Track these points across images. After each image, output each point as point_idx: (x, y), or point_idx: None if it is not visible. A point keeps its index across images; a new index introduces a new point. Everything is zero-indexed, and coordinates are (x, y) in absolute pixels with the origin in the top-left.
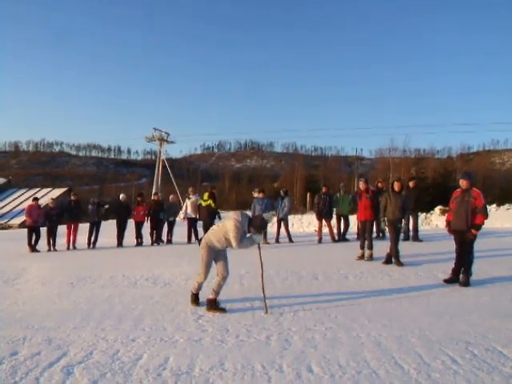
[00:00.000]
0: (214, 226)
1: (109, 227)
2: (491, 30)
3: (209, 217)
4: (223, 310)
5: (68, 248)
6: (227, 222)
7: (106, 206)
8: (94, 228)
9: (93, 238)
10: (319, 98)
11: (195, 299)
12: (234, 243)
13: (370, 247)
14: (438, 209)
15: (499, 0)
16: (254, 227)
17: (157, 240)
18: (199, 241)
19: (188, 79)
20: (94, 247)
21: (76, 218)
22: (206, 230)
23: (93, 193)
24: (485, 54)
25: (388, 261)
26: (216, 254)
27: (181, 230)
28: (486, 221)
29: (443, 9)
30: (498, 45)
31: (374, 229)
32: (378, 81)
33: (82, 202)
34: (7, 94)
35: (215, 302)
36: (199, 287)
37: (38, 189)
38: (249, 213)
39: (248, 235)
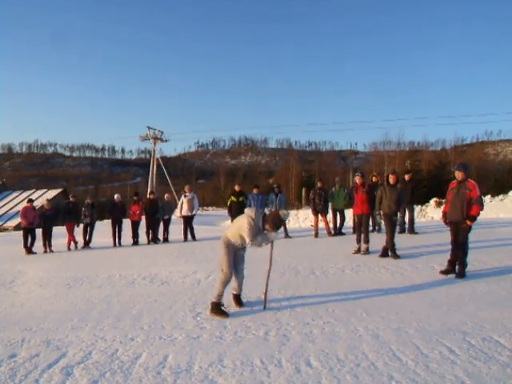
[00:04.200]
0: (231, 224)
1: (104, 227)
2: (484, 20)
3: (240, 212)
4: (226, 315)
5: (69, 248)
6: (241, 219)
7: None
8: (88, 228)
9: (87, 238)
10: (312, 93)
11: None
12: (247, 239)
13: (367, 241)
14: (433, 201)
15: None
16: (269, 224)
17: (153, 239)
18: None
19: (180, 77)
20: (88, 247)
21: (75, 219)
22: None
23: (88, 193)
24: (477, 44)
25: (384, 254)
26: (234, 253)
27: (177, 228)
28: (481, 212)
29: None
30: (490, 36)
31: (370, 222)
32: (370, 74)
33: (80, 203)
34: None
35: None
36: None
37: (32, 190)
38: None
39: (264, 232)
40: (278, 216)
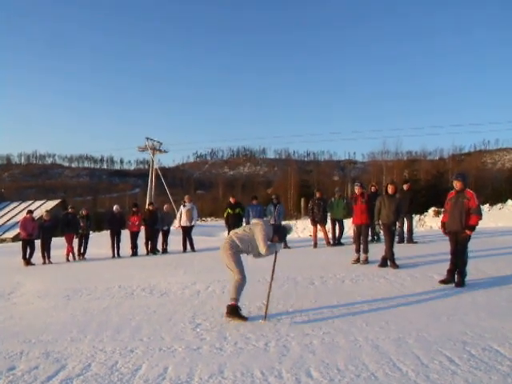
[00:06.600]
0: (237, 230)
1: (102, 238)
2: (481, 29)
3: (238, 224)
4: (244, 319)
5: (68, 260)
6: (255, 228)
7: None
8: (83, 240)
9: (82, 249)
10: (311, 103)
11: (237, 312)
12: (263, 249)
13: (366, 251)
14: (431, 210)
15: None
16: (278, 236)
17: (152, 250)
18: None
19: (179, 87)
20: (83, 258)
21: (74, 230)
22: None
23: (86, 204)
24: (474, 53)
25: (383, 264)
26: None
27: (176, 238)
28: (479, 221)
29: (433, 9)
30: (488, 44)
31: (369, 232)
32: (368, 83)
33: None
34: None
35: (237, 308)
36: (240, 291)
37: (31, 201)
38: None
39: (269, 243)
40: (285, 229)
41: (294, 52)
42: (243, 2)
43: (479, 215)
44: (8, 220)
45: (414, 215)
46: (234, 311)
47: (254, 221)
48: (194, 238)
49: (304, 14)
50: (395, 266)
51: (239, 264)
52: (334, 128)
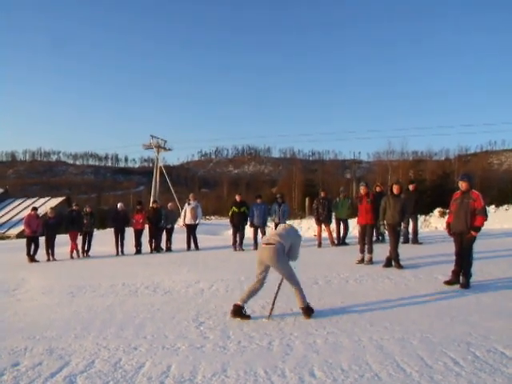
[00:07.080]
0: (278, 232)
1: (106, 236)
2: (486, 30)
3: (242, 223)
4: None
5: (71, 257)
6: (295, 231)
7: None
8: (87, 237)
9: (86, 247)
10: (316, 102)
11: (312, 310)
12: (298, 254)
13: (370, 251)
14: (436, 211)
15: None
16: None
17: (156, 248)
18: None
19: (184, 85)
20: (87, 255)
21: (78, 228)
22: (237, 233)
23: (90, 201)
24: (480, 54)
25: (388, 264)
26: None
27: (180, 237)
28: (485, 222)
29: (439, 10)
30: (493, 45)
31: (374, 232)
32: (374, 83)
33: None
34: (3, 103)
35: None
36: (303, 292)
37: (35, 198)
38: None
39: None
40: None
41: (294, 52)
42: (243, 2)
43: (485, 216)
44: (12, 217)
45: (419, 216)
46: (308, 312)
47: (286, 226)
48: (198, 236)
49: (310, 13)
50: (400, 266)
51: (290, 267)
52: (335, 127)
